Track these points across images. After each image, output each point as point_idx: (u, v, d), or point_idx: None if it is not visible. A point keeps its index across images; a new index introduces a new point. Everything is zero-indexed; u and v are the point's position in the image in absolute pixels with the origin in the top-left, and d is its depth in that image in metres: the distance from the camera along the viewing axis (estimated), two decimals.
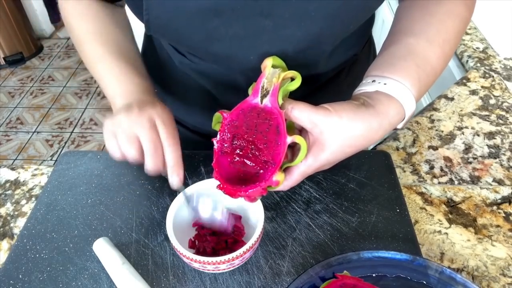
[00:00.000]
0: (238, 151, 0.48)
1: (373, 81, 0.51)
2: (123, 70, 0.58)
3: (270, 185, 0.46)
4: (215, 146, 0.49)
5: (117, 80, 0.58)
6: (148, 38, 0.77)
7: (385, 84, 0.50)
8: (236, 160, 0.49)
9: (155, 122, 0.52)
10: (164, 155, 0.52)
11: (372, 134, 0.47)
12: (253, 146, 0.48)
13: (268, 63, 0.48)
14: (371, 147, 0.80)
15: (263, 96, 0.47)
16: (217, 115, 0.50)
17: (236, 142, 0.48)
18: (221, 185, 0.48)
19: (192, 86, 0.71)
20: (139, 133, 0.51)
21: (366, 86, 0.51)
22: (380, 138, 0.49)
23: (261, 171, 0.48)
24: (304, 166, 0.48)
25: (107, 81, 0.59)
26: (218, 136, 0.49)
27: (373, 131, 0.47)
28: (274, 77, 0.47)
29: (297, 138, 0.46)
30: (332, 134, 0.46)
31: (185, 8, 0.50)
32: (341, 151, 0.47)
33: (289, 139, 0.46)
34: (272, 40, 0.53)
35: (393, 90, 0.49)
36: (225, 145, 0.49)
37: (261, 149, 0.47)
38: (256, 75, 0.53)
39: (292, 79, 0.49)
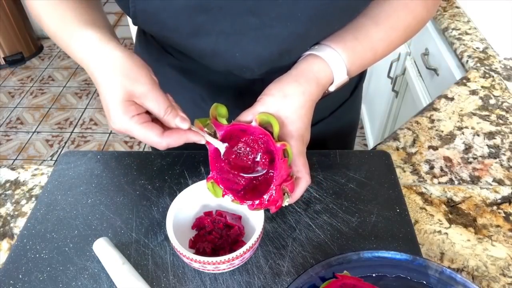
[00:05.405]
0: (237, 155, 0.52)
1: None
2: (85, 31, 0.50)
3: (282, 179, 0.49)
4: (214, 175, 0.52)
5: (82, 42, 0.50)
6: (139, 35, 0.76)
7: (316, 48, 0.56)
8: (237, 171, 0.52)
9: (135, 110, 0.46)
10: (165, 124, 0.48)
11: (305, 88, 0.53)
12: (247, 148, 0.52)
13: (196, 125, 0.51)
14: (374, 147, 0.79)
15: (214, 136, 0.52)
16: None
17: (231, 157, 0.52)
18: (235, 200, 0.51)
19: (182, 86, 0.71)
20: (131, 135, 0.48)
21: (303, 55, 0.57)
22: (317, 93, 0.54)
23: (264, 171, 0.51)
24: (294, 148, 0.51)
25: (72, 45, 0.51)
26: (211, 173, 0.52)
27: (303, 86, 0.53)
28: (205, 121, 0.51)
29: (259, 117, 0.50)
30: (278, 109, 0.52)
31: (172, 4, 0.50)
32: (298, 115, 0.52)
33: (254, 123, 0.50)
34: (258, 38, 0.54)
35: (320, 52, 0.55)
36: (224, 162, 0.52)
37: (255, 144, 0.52)
38: (241, 74, 0.58)
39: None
